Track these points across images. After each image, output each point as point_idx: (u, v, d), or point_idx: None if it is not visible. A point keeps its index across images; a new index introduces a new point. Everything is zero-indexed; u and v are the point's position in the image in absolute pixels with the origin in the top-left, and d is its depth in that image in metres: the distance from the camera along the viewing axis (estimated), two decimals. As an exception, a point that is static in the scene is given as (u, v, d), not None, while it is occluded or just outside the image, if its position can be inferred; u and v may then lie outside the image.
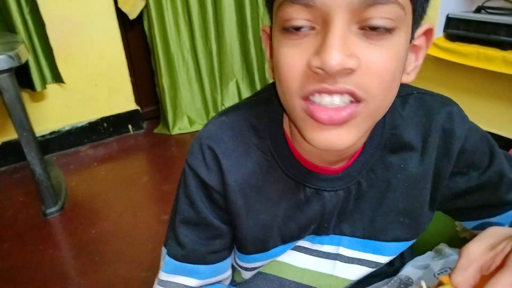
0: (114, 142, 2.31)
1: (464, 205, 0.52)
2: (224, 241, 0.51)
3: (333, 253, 0.52)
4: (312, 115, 0.37)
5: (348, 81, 0.35)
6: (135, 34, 2.27)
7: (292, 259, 0.53)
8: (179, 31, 2.20)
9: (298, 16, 0.35)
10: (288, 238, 0.51)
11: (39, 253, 1.46)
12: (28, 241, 1.52)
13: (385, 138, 0.47)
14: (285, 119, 0.48)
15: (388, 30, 0.34)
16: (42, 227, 1.60)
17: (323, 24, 0.35)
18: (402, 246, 0.53)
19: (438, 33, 1.74)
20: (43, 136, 2.12)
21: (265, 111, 0.48)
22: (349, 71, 0.34)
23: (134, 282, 1.30)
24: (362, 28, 0.34)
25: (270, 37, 0.43)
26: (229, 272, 0.55)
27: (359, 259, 0.52)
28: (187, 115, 2.36)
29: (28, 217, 1.67)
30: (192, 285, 0.51)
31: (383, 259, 0.53)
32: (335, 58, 0.33)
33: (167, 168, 2.04)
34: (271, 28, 0.42)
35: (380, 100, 0.37)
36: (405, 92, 0.49)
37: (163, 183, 1.90)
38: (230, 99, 2.45)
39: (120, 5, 2.04)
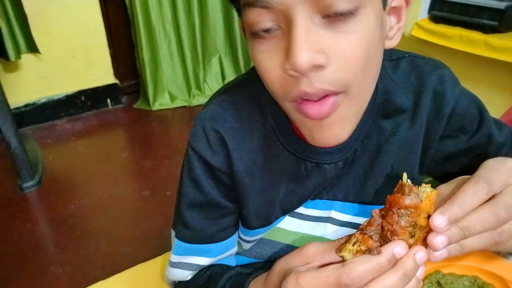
0: (92, 116, 2.26)
1: (452, 169, 0.53)
2: (232, 217, 0.52)
3: (325, 217, 0.53)
4: (305, 114, 0.38)
5: (322, 79, 0.35)
6: (115, 5, 2.19)
7: (285, 224, 0.54)
8: (160, 3, 2.13)
9: (261, 18, 0.35)
10: (288, 209, 0.52)
11: (17, 228, 1.43)
12: (4, 215, 1.49)
13: (377, 104, 0.48)
14: None
15: (352, 13, 0.34)
16: (19, 201, 1.57)
17: (286, 22, 0.34)
18: None
19: (423, 14, 1.75)
20: (17, 108, 2.05)
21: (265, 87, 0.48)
22: (320, 68, 0.34)
23: (115, 257, 1.30)
24: (325, 16, 0.34)
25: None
26: (236, 245, 0.55)
27: (350, 222, 0.53)
28: (168, 90, 2.32)
29: (4, 191, 1.62)
30: (204, 264, 0.51)
31: None
32: (302, 57, 0.33)
33: (147, 144, 2.01)
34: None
35: (358, 86, 0.37)
36: (397, 56, 0.49)
37: (143, 159, 1.87)
38: (213, 76, 2.41)
39: (99, -27, 1.95)
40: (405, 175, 0.35)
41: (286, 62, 0.34)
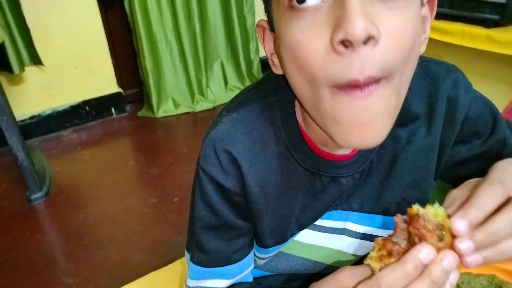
0: (97, 126, 2.27)
1: (465, 173, 0.51)
2: (248, 237, 0.50)
3: (340, 228, 0.52)
4: (347, 102, 0.34)
5: (372, 61, 0.32)
6: (116, 14, 2.20)
7: (300, 237, 0.52)
8: (161, 10, 2.14)
9: None
10: (305, 225, 0.51)
11: (26, 239, 1.43)
12: (13, 227, 1.50)
13: None
14: (298, 108, 0.46)
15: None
16: (28, 213, 1.57)
17: None
18: None
19: (424, 11, 1.74)
20: (23, 120, 2.06)
21: (276, 102, 0.45)
22: (373, 41, 0.31)
23: (126, 265, 1.30)
24: None
25: (270, 29, 0.40)
26: (253, 263, 0.54)
27: (367, 234, 0.52)
28: (172, 97, 2.33)
29: (13, 203, 1.63)
30: (223, 286, 0.50)
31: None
32: (359, 24, 0.30)
33: (152, 152, 2.02)
34: (269, 21, 0.39)
35: (400, 73, 0.34)
36: None
37: (149, 167, 1.88)
38: (215, 81, 2.42)
39: (99, -17, 1.97)
40: (414, 207, 0.33)
41: (337, 33, 0.31)
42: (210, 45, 2.33)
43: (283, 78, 0.41)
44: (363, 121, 0.34)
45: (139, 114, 2.35)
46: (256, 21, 0.44)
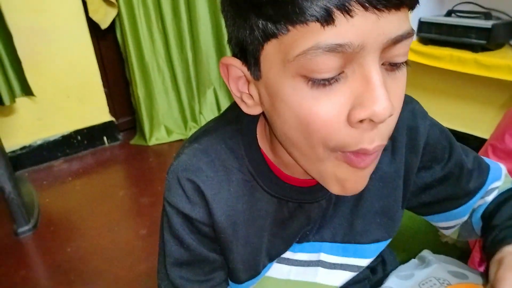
0: (89, 155, 2.24)
1: (428, 199, 0.54)
2: (222, 272, 0.49)
3: (314, 260, 0.51)
4: (351, 163, 0.35)
5: (380, 133, 0.33)
6: (108, 43, 2.22)
7: (274, 272, 0.51)
8: (153, 40, 2.16)
9: (330, 64, 0.30)
10: (275, 255, 0.50)
11: (11, 275, 1.39)
12: (-2, 263, 1.45)
13: None
14: (260, 136, 0.46)
15: (406, 62, 0.34)
16: (14, 247, 1.53)
17: (356, 68, 0.31)
18: (381, 246, 0.53)
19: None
20: (13, 151, 2.04)
21: (238, 130, 0.46)
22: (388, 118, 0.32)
23: (113, 301, 1.25)
24: (385, 63, 0.33)
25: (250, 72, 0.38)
26: None
27: (341, 264, 0.52)
28: (164, 125, 2.32)
29: (-1, 237, 1.59)
30: None
31: (364, 262, 0.53)
32: (386, 106, 0.30)
33: (144, 180, 1.99)
34: (247, 65, 0.37)
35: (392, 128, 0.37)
36: None
37: (140, 196, 1.84)
38: (208, 108, 2.42)
39: (91, 15, 1.99)
40: None
41: (360, 111, 0.31)
42: (203, 73, 2.35)
43: None
44: (360, 174, 0.37)
45: (132, 142, 2.33)
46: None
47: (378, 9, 0.29)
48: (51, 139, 2.15)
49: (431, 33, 1.70)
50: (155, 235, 1.53)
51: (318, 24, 0.29)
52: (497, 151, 0.80)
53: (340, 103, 0.32)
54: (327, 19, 0.29)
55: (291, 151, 0.39)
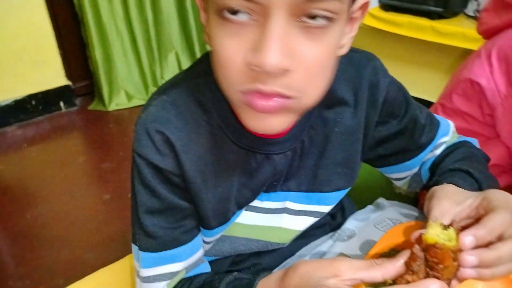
0: (44, 121, 2.15)
1: (383, 152, 0.57)
2: (193, 218, 0.51)
3: (280, 208, 0.54)
4: (249, 104, 0.37)
5: (279, 83, 0.35)
6: (62, 2, 2.09)
7: (242, 219, 0.54)
8: (110, -1, 2.06)
9: (237, 3, 0.33)
10: (243, 203, 0.52)
11: (-32, 243, 1.35)
12: (-47, 231, 1.40)
13: None
14: None
15: (328, 19, 0.34)
16: (-31, 215, 1.47)
17: (262, 17, 0.33)
18: (341, 194, 0.57)
19: (374, 3, 1.79)
20: (-39, 116, 1.92)
21: (207, 84, 0.46)
22: (284, 72, 0.34)
23: (78, 265, 1.25)
24: (301, 20, 0.34)
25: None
26: (202, 247, 0.55)
27: (305, 211, 0.55)
28: (124, 89, 2.25)
29: (-49, 205, 1.52)
30: (178, 269, 0.50)
31: (326, 209, 0.57)
32: (272, 59, 0.32)
33: (105, 146, 1.95)
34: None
35: (311, 95, 0.38)
36: None
37: (101, 162, 1.81)
38: (170, 72, 2.37)
39: (41, -30, 1.86)
40: (429, 236, 0.38)
41: (252, 56, 0.34)
42: (164, 35, 2.28)
43: None
44: (262, 116, 0.38)
45: (90, 107, 2.26)
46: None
47: None
48: (3, 104, 2.04)
49: (393, 0, 1.74)
50: (118, 200, 1.52)
51: None
52: (446, 109, 0.86)
53: (243, 45, 0.35)
54: None
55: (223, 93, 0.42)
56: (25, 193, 1.61)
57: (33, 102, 2.13)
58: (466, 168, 0.52)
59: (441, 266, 0.36)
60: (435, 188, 0.50)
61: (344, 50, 0.43)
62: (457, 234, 0.38)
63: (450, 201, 0.44)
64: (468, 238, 0.37)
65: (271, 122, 0.39)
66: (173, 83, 0.48)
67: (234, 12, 0.34)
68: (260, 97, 0.36)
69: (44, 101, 2.16)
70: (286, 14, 0.33)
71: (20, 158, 1.86)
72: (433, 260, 0.36)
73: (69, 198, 1.55)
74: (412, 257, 0.37)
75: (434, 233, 0.37)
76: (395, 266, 0.37)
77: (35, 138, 2.01)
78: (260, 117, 0.38)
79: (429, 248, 0.36)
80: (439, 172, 0.55)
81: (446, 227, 0.38)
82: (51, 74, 2.15)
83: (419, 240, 0.38)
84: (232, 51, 0.35)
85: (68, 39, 2.18)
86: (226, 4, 0.34)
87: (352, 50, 0.51)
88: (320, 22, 0.34)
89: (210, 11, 0.37)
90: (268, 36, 0.33)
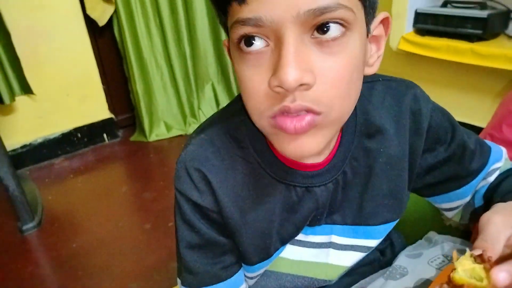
0: (89, 153, 2.25)
1: (432, 181, 0.55)
2: (233, 254, 0.51)
3: (326, 242, 0.53)
4: (281, 128, 0.37)
5: (305, 97, 0.35)
6: (106, 41, 2.22)
7: (287, 253, 0.53)
8: (150, 35, 2.17)
9: (249, 30, 0.36)
10: (286, 239, 0.52)
11: (18, 271, 1.40)
12: (5, 259, 1.46)
13: (359, 124, 0.49)
14: None
15: (341, 29, 0.35)
16: (20, 244, 1.54)
17: (276, 41, 0.35)
18: (389, 227, 0.55)
19: (408, 28, 1.78)
20: (14, 150, 2.04)
21: (242, 121, 0.48)
22: (306, 87, 0.35)
23: (121, 294, 1.27)
24: (314, 36, 0.35)
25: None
26: (245, 283, 0.55)
27: (351, 245, 0.54)
28: (164, 120, 2.33)
29: (4, 235, 1.60)
30: None
31: (374, 243, 0.55)
32: (291, 75, 0.33)
33: (146, 176, 2.00)
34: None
35: (339, 108, 0.38)
36: (371, 79, 0.50)
37: (142, 191, 1.86)
38: (207, 103, 2.43)
39: (88, 12, 1.99)
40: (457, 276, 0.36)
41: (273, 79, 0.35)
42: (201, 68, 2.35)
43: None
44: (295, 138, 0.38)
45: (132, 139, 2.34)
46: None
47: None
48: (51, 137, 2.16)
49: (428, 24, 1.72)
50: (159, 230, 1.55)
51: (236, 4, 0.35)
52: (495, 139, 0.82)
53: (265, 73, 0.36)
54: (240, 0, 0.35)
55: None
56: (71, 223, 1.67)
57: (79, 135, 2.24)
58: None
59: None
60: (492, 207, 0.47)
61: (373, 69, 0.43)
62: (489, 270, 0.35)
63: (504, 218, 0.42)
64: (501, 275, 0.35)
65: (304, 143, 0.38)
66: (210, 122, 0.50)
67: (250, 43, 0.36)
68: (290, 118, 0.37)
69: (89, 134, 2.27)
70: (298, 31, 0.34)
71: (66, 189, 1.94)
72: None
73: (112, 228, 1.59)
74: None
75: (464, 271, 0.35)
76: None
77: (80, 169, 2.10)
78: (293, 139, 0.38)
79: None
80: (498, 195, 0.52)
81: (479, 259, 0.36)
82: (96, 108, 2.26)
83: (449, 279, 0.36)
84: (255, 80, 0.37)
85: (111, 75, 2.30)
86: (240, 33, 0.36)
87: (391, 79, 0.52)
88: (332, 33, 0.35)
89: (231, 47, 0.39)
90: (285, 54, 0.34)
